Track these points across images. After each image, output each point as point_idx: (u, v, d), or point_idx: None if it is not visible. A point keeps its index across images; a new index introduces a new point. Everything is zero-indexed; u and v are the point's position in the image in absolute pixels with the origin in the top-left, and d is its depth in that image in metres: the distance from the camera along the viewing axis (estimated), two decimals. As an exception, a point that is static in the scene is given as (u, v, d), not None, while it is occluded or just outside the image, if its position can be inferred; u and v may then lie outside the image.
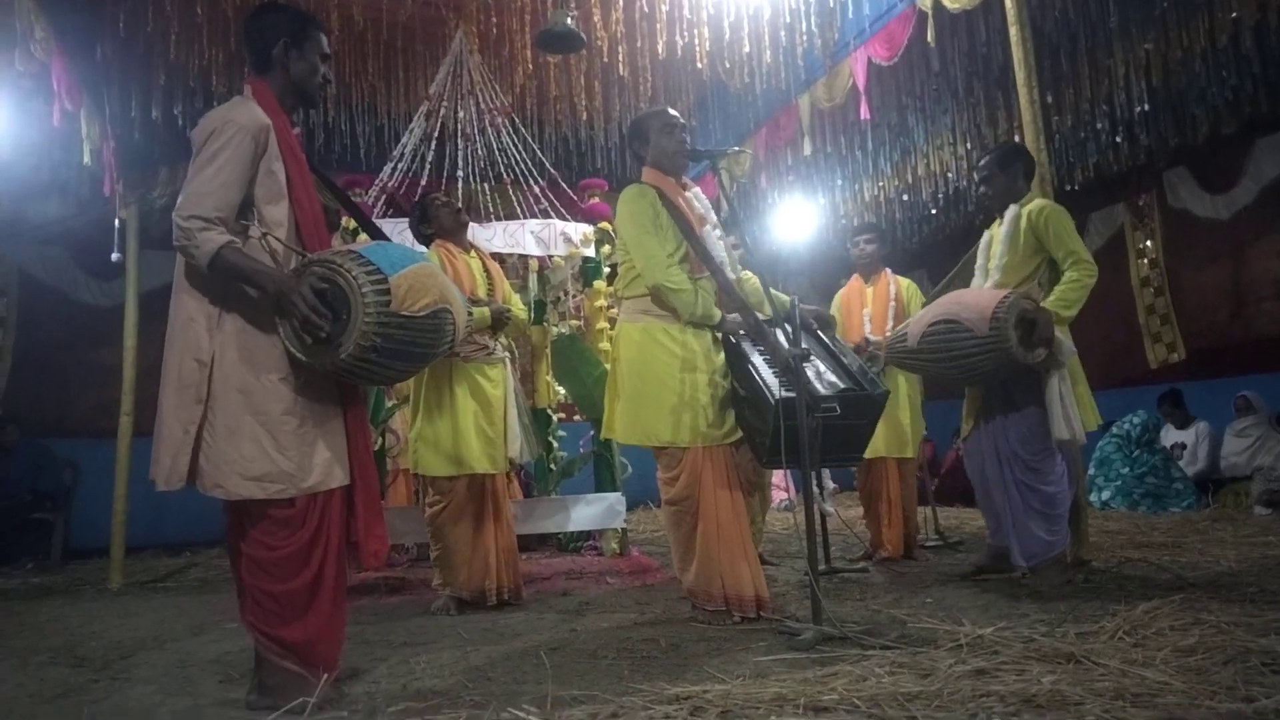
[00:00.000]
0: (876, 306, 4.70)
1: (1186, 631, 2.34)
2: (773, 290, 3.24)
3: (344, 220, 4.83)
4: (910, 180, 7.62)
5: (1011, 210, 3.58)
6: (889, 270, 4.84)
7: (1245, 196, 7.03)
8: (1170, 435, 6.78)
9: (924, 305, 4.11)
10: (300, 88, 2.38)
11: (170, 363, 2.16)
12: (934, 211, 8.33)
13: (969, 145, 6.87)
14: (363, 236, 4.67)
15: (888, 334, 4.53)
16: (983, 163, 3.75)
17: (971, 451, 3.68)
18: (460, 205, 4.04)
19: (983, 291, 3.52)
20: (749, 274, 3.49)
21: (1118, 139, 6.72)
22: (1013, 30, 3.93)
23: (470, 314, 3.56)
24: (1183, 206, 7.44)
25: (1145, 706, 1.76)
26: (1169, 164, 7.39)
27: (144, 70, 5.25)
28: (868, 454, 4.40)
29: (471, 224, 4.17)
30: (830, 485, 4.84)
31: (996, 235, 3.63)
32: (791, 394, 2.74)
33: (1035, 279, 3.49)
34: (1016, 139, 6.32)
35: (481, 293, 3.80)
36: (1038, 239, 3.47)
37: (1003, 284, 3.51)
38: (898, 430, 4.51)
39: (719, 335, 3.20)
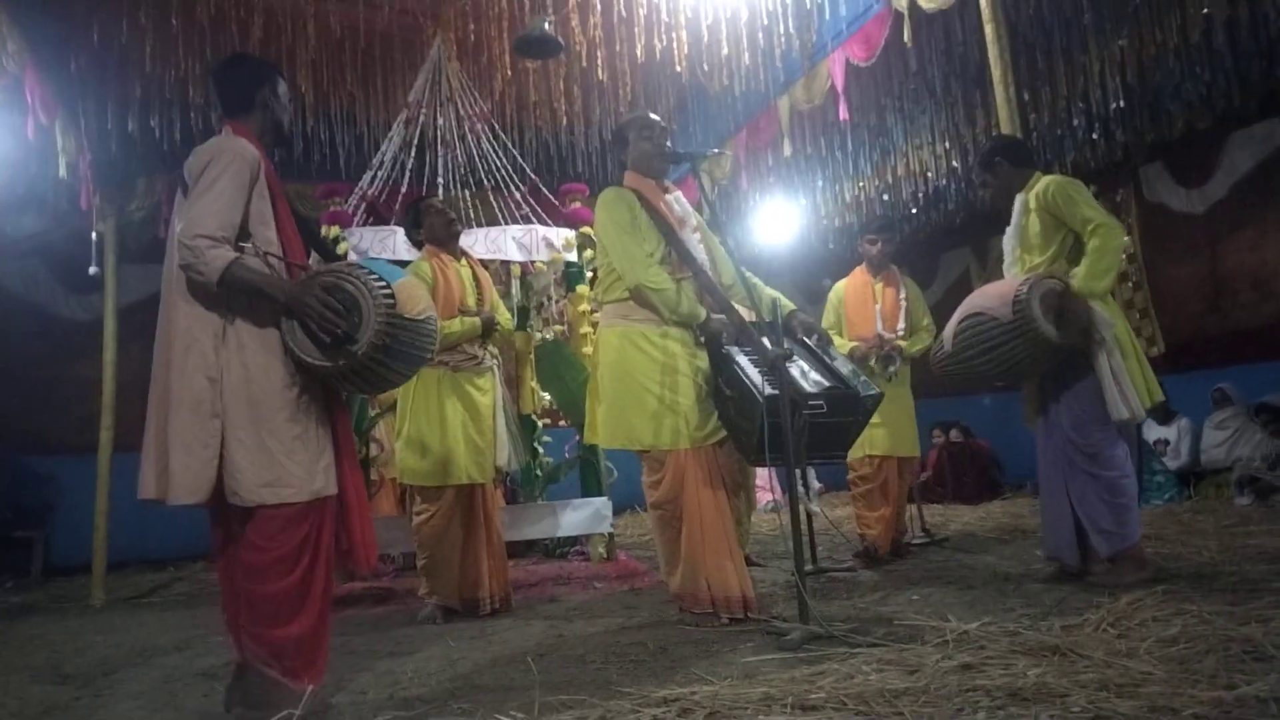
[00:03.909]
0: (887, 302, 4.60)
1: (1169, 622, 2.36)
2: (763, 289, 3.27)
3: (326, 230, 4.81)
4: (890, 180, 7.66)
5: (1019, 199, 3.47)
6: (896, 268, 4.77)
7: (1219, 190, 7.10)
8: (1153, 431, 6.82)
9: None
10: (280, 128, 2.54)
11: (177, 383, 2.20)
12: (914, 211, 8.38)
13: (947, 144, 6.91)
14: (343, 246, 4.66)
15: (899, 330, 4.54)
16: (975, 172, 3.69)
17: (1039, 448, 3.46)
18: (454, 215, 4.03)
19: (1006, 280, 3.40)
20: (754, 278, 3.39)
21: (1094, 135, 6.78)
22: (988, 29, 3.95)
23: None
24: (1159, 201, 7.52)
25: (1129, 697, 1.77)
26: (1145, 160, 7.46)
27: (119, 82, 5.21)
28: (878, 451, 4.40)
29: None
30: (815, 485, 4.85)
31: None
32: (777, 392, 2.76)
33: (1063, 255, 3.33)
34: (994, 135, 6.38)
35: (471, 302, 3.80)
36: (1053, 217, 3.32)
37: (1029, 265, 3.39)
38: (905, 430, 4.48)
39: (701, 337, 3.21)
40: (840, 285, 4.81)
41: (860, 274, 4.75)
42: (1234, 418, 6.24)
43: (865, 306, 4.63)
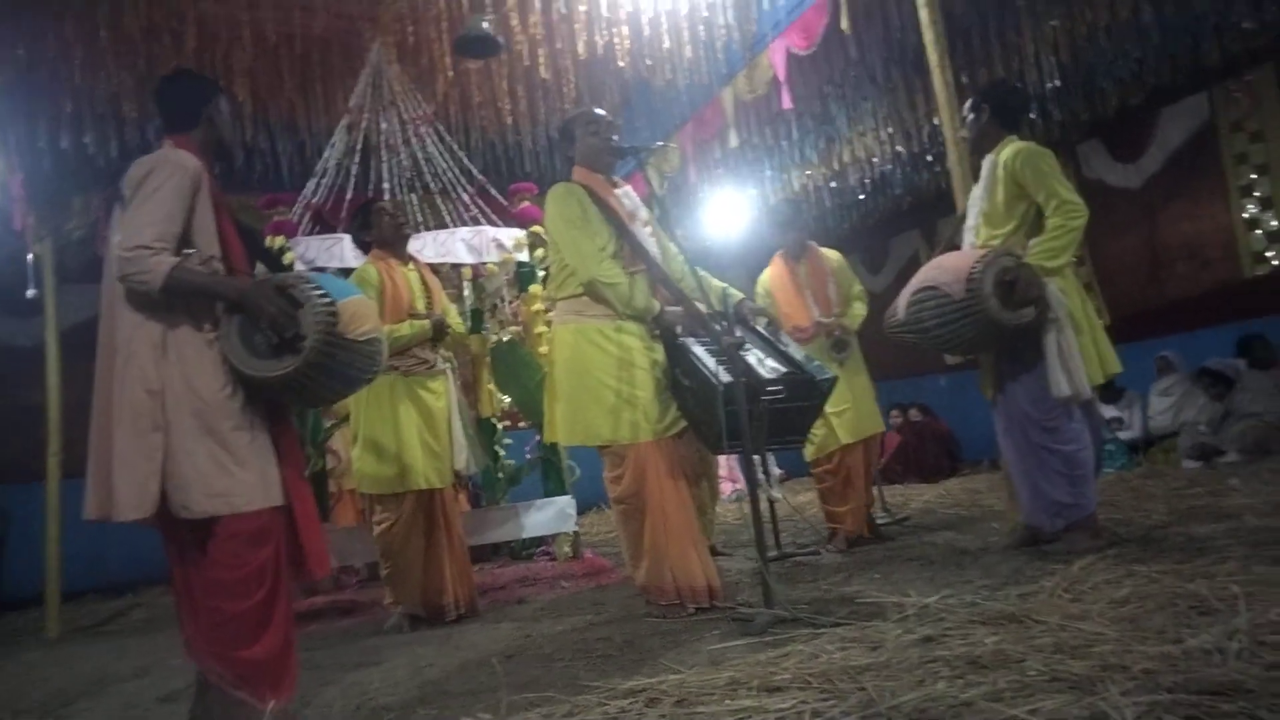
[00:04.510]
0: (815, 285, 4.52)
1: (1120, 584, 2.43)
2: (712, 281, 3.30)
3: (271, 240, 4.74)
4: (837, 167, 7.75)
5: (987, 160, 3.42)
6: (813, 244, 4.69)
7: (1154, 164, 7.29)
8: (1105, 411, 6.90)
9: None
10: (225, 142, 2.52)
11: (119, 398, 2.16)
12: (862, 197, 8.48)
13: (891, 130, 7.01)
14: (289, 256, 4.60)
15: (835, 312, 4.48)
16: (966, 107, 3.55)
17: (996, 422, 3.49)
18: (404, 218, 3.99)
19: (963, 253, 3.37)
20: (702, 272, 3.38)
21: (1032, 115, 6.91)
22: (923, 14, 4.00)
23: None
24: (1097, 177, 7.69)
25: (1083, 657, 1.82)
26: (1082, 137, 7.64)
27: (49, 98, 5.07)
28: (845, 439, 4.31)
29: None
30: (776, 472, 4.86)
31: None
32: (735, 379, 2.78)
33: (1022, 229, 3.30)
34: (935, 121, 6.47)
35: (420, 306, 3.77)
36: (1018, 185, 3.26)
37: (987, 236, 3.37)
38: (866, 409, 4.44)
39: (656, 330, 3.22)
40: (764, 279, 4.65)
41: (779, 263, 4.63)
42: (1177, 384, 6.41)
43: (796, 295, 4.51)
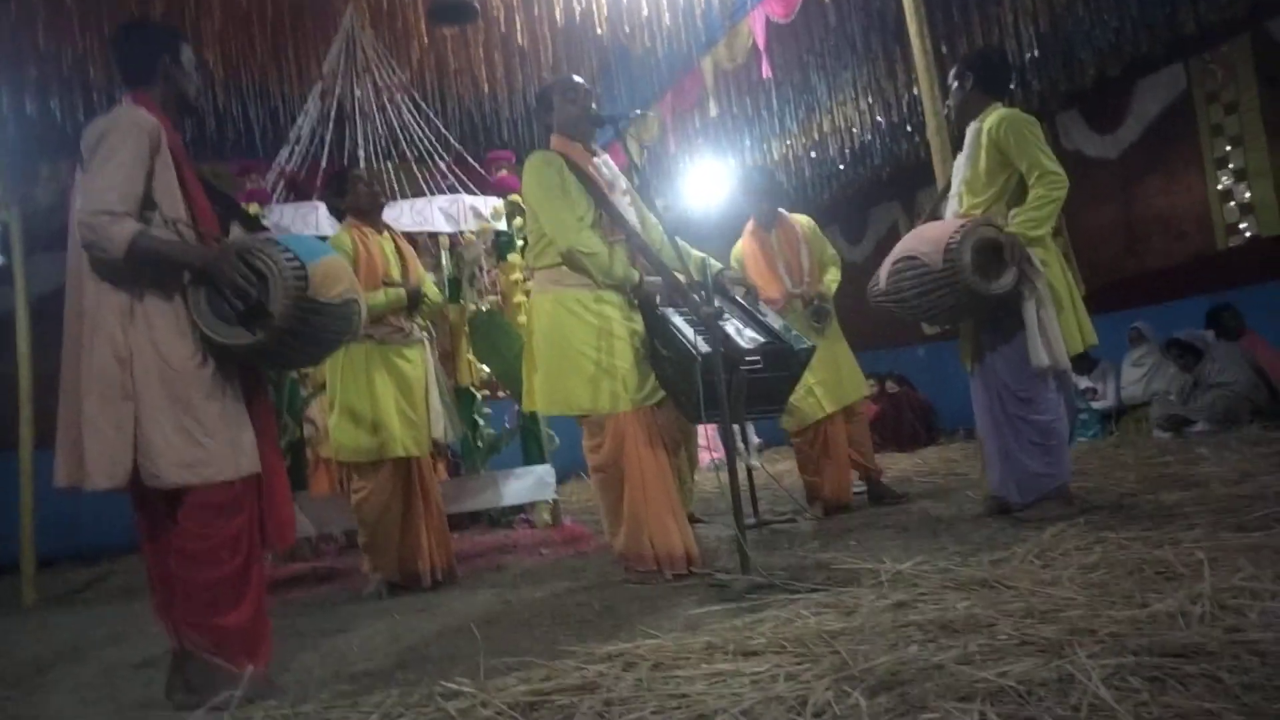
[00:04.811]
0: (788, 254, 4.48)
1: (1090, 550, 2.48)
2: (691, 251, 3.29)
3: (246, 207, 4.67)
4: (817, 137, 7.73)
5: (971, 127, 3.41)
6: (783, 211, 4.66)
7: (1131, 135, 7.32)
8: (1080, 382, 6.98)
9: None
10: (185, 97, 2.43)
11: (87, 365, 2.13)
12: (841, 167, 8.47)
13: (870, 100, 6.99)
14: (265, 221, 4.54)
15: (806, 281, 4.45)
16: (951, 74, 3.53)
17: (974, 392, 3.52)
18: (379, 186, 3.95)
19: (943, 223, 3.37)
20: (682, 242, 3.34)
21: (1011, 85, 6.91)
22: (902, -19, 3.99)
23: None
24: (1075, 148, 7.72)
25: (1052, 621, 1.86)
26: (1060, 107, 7.65)
27: (13, 63, 4.96)
28: (828, 408, 4.30)
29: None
30: (755, 440, 4.88)
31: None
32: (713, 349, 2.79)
33: (1004, 197, 3.31)
34: (915, 91, 6.46)
35: (395, 274, 3.75)
36: (1001, 152, 3.26)
37: (970, 204, 3.37)
38: (847, 375, 4.43)
39: (635, 300, 3.21)
40: (736, 251, 4.59)
41: (751, 236, 4.58)
42: (1148, 355, 6.50)
43: (768, 267, 4.45)
